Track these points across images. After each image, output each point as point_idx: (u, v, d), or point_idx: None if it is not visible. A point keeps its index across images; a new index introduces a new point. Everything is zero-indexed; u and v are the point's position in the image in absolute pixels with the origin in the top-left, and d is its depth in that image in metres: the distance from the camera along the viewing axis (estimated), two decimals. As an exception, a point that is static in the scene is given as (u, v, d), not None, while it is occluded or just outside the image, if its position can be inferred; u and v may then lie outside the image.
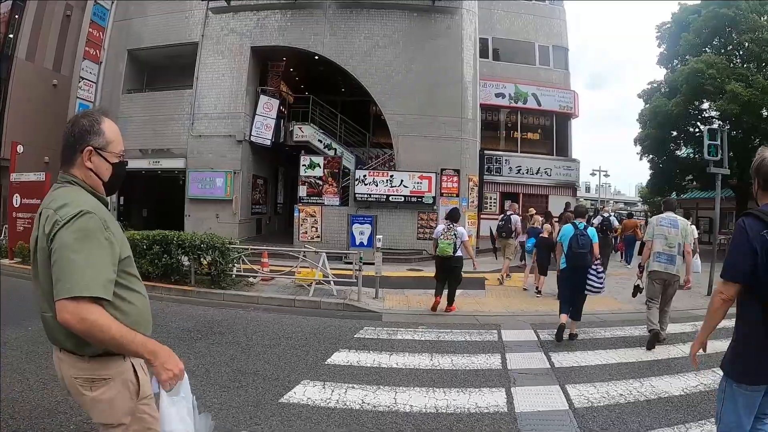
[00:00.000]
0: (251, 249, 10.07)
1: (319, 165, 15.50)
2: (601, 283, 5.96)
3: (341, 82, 18.72)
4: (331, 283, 8.86)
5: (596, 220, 11.80)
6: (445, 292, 7.64)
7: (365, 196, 14.49)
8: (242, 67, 16.69)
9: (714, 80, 17.82)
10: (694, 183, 25.21)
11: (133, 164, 15.74)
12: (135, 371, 1.72)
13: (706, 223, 24.72)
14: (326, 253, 9.42)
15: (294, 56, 17.52)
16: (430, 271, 11.97)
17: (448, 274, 7.39)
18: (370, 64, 15.38)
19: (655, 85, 22.63)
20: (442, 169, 14.38)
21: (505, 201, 21.01)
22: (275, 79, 18.82)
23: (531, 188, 21.08)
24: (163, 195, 19.97)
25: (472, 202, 14.59)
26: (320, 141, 17.27)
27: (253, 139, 16.98)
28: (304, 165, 15.55)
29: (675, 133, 21.02)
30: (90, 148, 1.68)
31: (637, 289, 6.24)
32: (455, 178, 14.31)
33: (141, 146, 17.31)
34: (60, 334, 1.60)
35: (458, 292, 7.90)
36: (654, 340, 5.68)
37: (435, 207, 14.26)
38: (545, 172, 21.08)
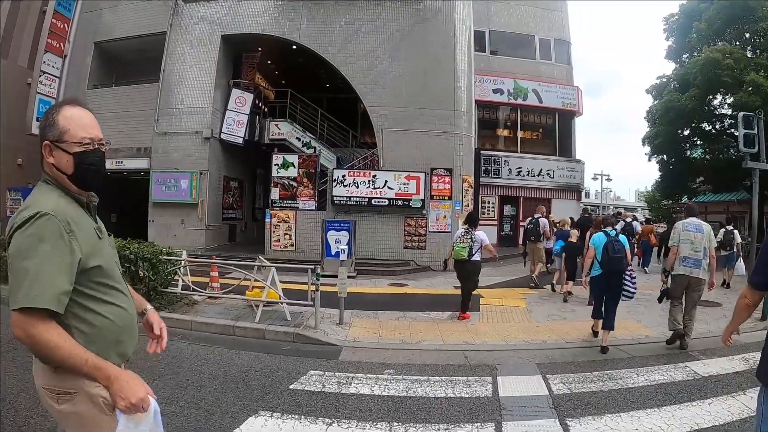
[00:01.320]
0: (190, 261, 8.28)
1: (293, 164, 13.79)
2: (635, 288, 6.12)
3: (324, 76, 17.06)
4: (283, 304, 7.08)
5: (618, 226, 10.61)
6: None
7: (344, 199, 12.76)
8: (212, 57, 15.02)
9: (732, 71, 16.18)
10: (705, 185, 23.58)
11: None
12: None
13: (715, 228, 22.95)
14: (298, 265, 7.67)
15: (270, 46, 15.88)
16: (416, 286, 10.22)
17: (463, 278, 7.33)
18: (351, 51, 13.71)
19: (665, 80, 20.98)
20: (433, 169, 12.65)
21: (504, 205, 19.33)
22: (250, 71, 17.12)
23: (532, 191, 19.34)
24: (134, 198, 18.28)
25: (467, 205, 12.85)
26: (298, 139, 15.62)
27: (223, 136, 15.32)
28: (276, 164, 13.85)
29: (688, 132, 19.29)
30: (46, 142, 1.58)
31: (664, 294, 6.19)
32: (447, 179, 12.57)
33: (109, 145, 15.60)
34: None
35: (446, 314, 7.05)
36: (675, 338, 5.81)
37: (424, 211, 12.53)
38: (548, 174, 19.35)
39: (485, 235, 7.53)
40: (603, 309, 5.99)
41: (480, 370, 5.07)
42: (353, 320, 7.18)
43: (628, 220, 11.77)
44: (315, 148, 15.44)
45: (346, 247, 11.29)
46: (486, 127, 19.97)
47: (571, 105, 20.30)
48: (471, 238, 7.11)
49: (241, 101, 15.72)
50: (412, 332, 6.56)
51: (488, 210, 19.07)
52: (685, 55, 20.91)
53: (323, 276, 11.19)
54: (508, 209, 19.36)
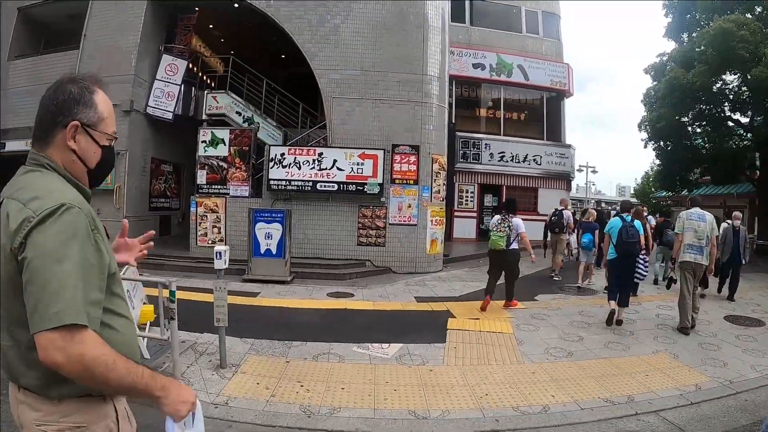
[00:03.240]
0: None
1: (223, 141, 11.07)
2: (646, 271, 6.77)
3: (279, 44, 14.20)
4: (144, 340, 4.39)
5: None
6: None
7: (283, 183, 10.08)
8: (137, 17, 12.20)
9: (747, 44, 13.94)
10: (704, 177, 21.55)
11: (14, 147, 12.18)
12: (117, 416, 1.31)
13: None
14: (148, 277, 5.07)
15: (209, 6, 13.12)
16: (364, 297, 7.60)
17: (503, 269, 6.80)
18: (296, 4, 10.98)
19: (664, 58, 18.74)
20: (395, 146, 10.03)
21: (484, 194, 16.84)
22: (185, 35, 14.28)
23: (517, 179, 16.89)
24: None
25: (437, 192, 10.28)
26: (239, 113, 12.88)
27: (150, 110, 12.53)
28: (203, 141, 11.12)
29: (693, 114, 17.06)
30: (76, 123, 1.27)
31: (671, 281, 7.15)
32: (413, 158, 9.97)
33: (29, 123, 12.61)
34: (21, 367, 1.21)
35: (395, 349, 4.96)
36: (684, 332, 5.86)
37: (383, 199, 9.90)
38: (534, 160, 16.91)
39: (521, 222, 6.74)
40: (618, 290, 6.14)
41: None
42: (247, 359, 4.56)
43: (644, 214, 10.28)
44: (259, 124, 12.77)
45: (278, 243, 8.68)
46: (465, 107, 17.45)
47: (560, 83, 17.91)
48: (508, 225, 6.54)
49: (172, 69, 13.02)
50: (330, 386, 3.99)
51: (466, 200, 16.55)
52: (684, 35, 18.74)
53: (251, 281, 8.56)
54: (489, 199, 16.87)
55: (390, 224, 9.92)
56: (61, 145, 1.27)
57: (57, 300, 1.07)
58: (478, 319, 6.14)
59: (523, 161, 16.79)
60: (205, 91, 13.53)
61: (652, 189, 37.97)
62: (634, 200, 34.78)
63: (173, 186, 15.28)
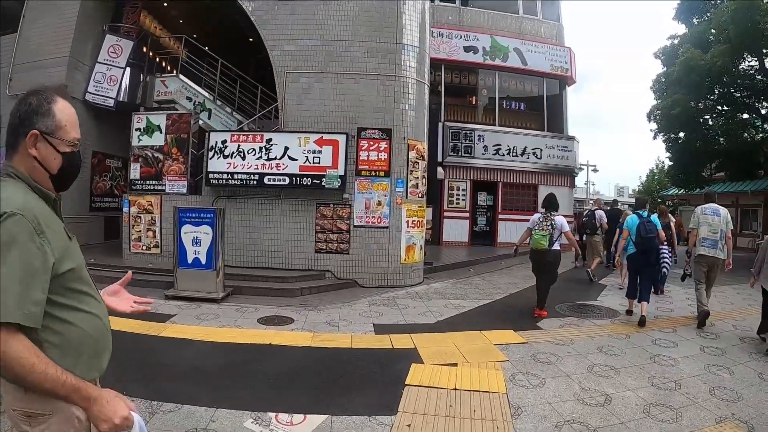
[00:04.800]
0: None
1: (159, 128, 9.28)
2: (671, 261, 7.78)
3: (243, 24, 12.29)
4: None
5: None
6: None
7: (224, 176, 8.17)
8: None
9: (775, 18, 12.14)
10: (716, 174, 19.68)
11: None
12: None
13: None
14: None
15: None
16: (305, 325, 5.50)
17: (542, 270, 6.31)
18: (248, -39, 9.10)
19: (676, 41, 16.92)
20: (361, 129, 8.12)
21: (478, 193, 14.93)
22: (133, 12, 12.57)
23: (514, 175, 14.96)
24: None
25: (415, 187, 8.35)
26: (189, 99, 11.04)
27: (89, 97, 10.81)
28: (138, 129, 9.34)
29: (713, 98, 15.21)
30: (35, 132, 1.38)
31: (685, 275, 7.23)
32: (383, 144, 8.05)
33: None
34: None
35: (316, 422, 3.16)
36: (704, 318, 5.77)
37: (346, 195, 7.98)
38: (533, 154, 14.99)
39: (564, 220, 6.37)
40: (638, 286, 6.15)
41: None
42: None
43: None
44: (210, 110, 10.93)
45: (208, 250, 6.77)
46: (455, 94, 15.57)
47: (562, 69, 16.03)
48: (551, 224, 6.17)
49: (116, 51, 11.34)
50: None
51: (457, 198, 14.63)
52: (695, 18, 16.91)
53: (174, 299, 6.66)
54: (483, 198, 14.93)
55: (355, 226, 7.99)
56: (24, 153, 1.37)
57: None
58: (455, 365, 4.19)
59: (522, 155, 14.89)
60: (156, 76, 11.73)
61: (658, 187, 36.17)
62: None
63: (122, 184, 13.40)
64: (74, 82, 10.44)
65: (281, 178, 7.97)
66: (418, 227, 8.26)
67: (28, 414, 1.31)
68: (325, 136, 7.88)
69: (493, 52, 15.50)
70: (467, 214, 14.64)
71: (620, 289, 8.01)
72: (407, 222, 8.01)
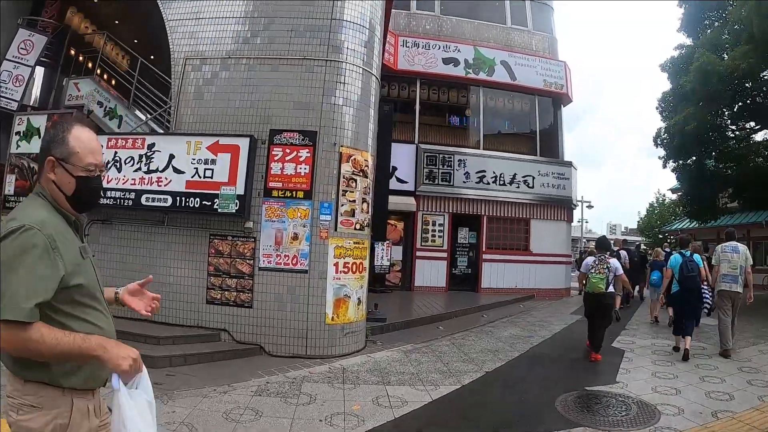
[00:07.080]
0: None
1: (39, 131, 7.65)
2: (711, 302, 6.92)
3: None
4: None
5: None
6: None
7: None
8: None
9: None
10: (731, 202, 17.55)
11: None
12: (72, 410, 1.46)
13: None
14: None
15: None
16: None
17: (600, 313, 6.23)
18: None
19: (683, 51, 15.04)
20: (274, 132, 5.84)
21: (458, 229, 12.60)
22: (52, 6, 10.87)
23: (501, 207, 12.66)
24: None
25: (349, 214, 5.84)
26: (100, 104, 9.05)
27: (-8, 99, 9.00)
28: (17, 132, 7.60)
29: (735, 110, 13.18)
30: (51, 158, 1.53)
31: (711, 309, 7.03)
32: (304, 153, 5.65)
33: None
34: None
35: None
36: (728, 355, 6.03)
37: (249, 224, 5.61)
38: (524, 182, 12.74)
39: (618, 264, 6.26)
40: (684, 324, 6.23)
41: None
42: None
43: (667, 250, 10.44)
44: (121, 117, 8.93)
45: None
46: (432, 113, 13.52)
47: (556, 85, 14.05)
48: (607, 267, 6.05)
49: (26, 47, 9.71)
50: None
51: (433, 234, 12.26)
52: (705, 26, 15.13)
53: None
54: (464, 234, 12.57)
55: (261, 269, 5.55)
56: (46, 177, 1.52)
57: (3, 297, 1.29)
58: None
59: (510, 183, 12.65)
60: (71, 77, 10.15)
61: (659, 222, 34.10)
62: (630, 238, 30.90)
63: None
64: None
65: (162, 197, 5.63)
66: (355, 273, 5.80)
67: (20, 403, 1.41)
68: (222, 140, 5.57)
69: (476, 64, 13.53)
70: (445, 254, 12.22)
71: (652, 324, 8.70)
72: (336, 265, 5.58)
